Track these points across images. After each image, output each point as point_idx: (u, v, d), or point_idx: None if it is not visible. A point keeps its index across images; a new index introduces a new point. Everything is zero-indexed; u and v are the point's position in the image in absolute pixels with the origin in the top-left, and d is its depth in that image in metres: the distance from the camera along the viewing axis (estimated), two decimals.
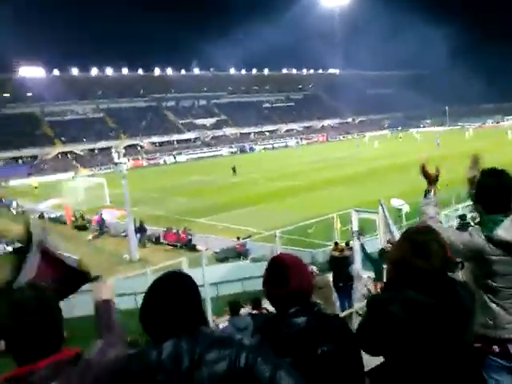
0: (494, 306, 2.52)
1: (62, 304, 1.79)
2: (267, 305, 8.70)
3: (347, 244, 13.98)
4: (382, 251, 12.07)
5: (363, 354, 2.04)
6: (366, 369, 2.06)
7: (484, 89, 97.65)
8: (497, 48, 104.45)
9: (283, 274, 1.94)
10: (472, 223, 11.96)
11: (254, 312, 7.10)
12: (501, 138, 54.41)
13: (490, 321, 2.51)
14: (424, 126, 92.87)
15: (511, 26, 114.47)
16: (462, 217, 13.12)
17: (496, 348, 2.52)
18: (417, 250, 1.99)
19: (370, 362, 2.13)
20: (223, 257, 17.85)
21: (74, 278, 2.25)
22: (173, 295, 1.70)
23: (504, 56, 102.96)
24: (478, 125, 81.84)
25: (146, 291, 1.75)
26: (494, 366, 2.53)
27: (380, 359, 2.16)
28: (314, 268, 11.10)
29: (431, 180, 2.86)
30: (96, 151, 71.41)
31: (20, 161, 65.09)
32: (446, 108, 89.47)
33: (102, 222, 25.61)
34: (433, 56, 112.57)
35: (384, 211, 12.28)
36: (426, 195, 2.86)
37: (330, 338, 1.88)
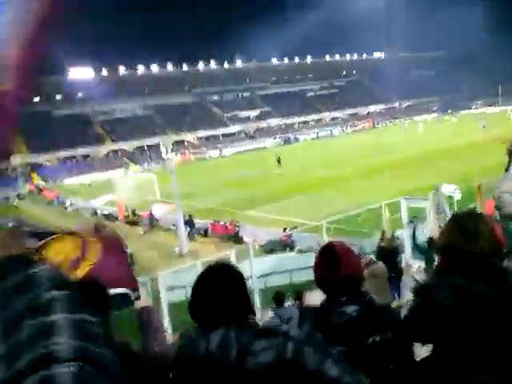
0: None
1: None
2: (308, 300, 8.71)
3: (394, 234, 13.73)
4: (431, 240, 11.77)
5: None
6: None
7: None
8: None
9: (334, 260, 1.97)
10: None
11: (297, 305, 7.13)
12: None
13: None
14: (476, 108, 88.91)
15: None
16: None
17: None
18: (465, 233, 1.98)
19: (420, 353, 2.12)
20: (270, 248, 17.94)
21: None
22: (220, 285, 1.73)
23: None
24: None
25: (194, 282, 1.80)
26: None
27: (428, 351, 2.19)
28: (372, 256, 10.96)
29: None
30: (145, 148, 73.18)
31: (73, 160, 67.70)
32: (499, 87, 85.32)
33: (151, 217, 26.34)
34: (480, 34, 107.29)
35: (439, 196, 11.90)
36: (506, 169, 2.84)
37: (380, 327, 1.89)
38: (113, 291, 2.31)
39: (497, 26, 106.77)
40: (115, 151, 72.09)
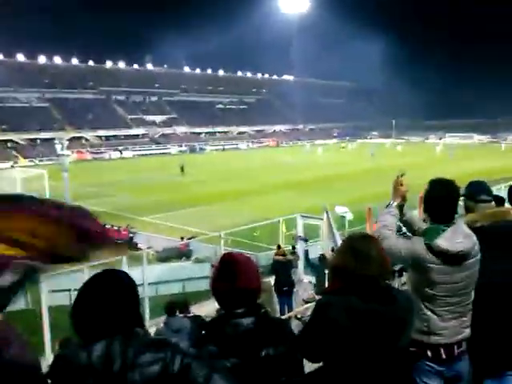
0: (429, 312, 2.56)
1: None
2: (203, 308, 8.54)
3: (293, 248, 14.08)
4: (323, 257, 12.23)
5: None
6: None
7: (429, 105, 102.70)
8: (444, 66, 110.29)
9: (232, 270, 1.93)
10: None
11: (182, 315, 6.90)
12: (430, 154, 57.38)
13: (425, 327, 2.57)
14: (371, 138, 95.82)
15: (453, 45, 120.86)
16: (399, 229, 13.47)
17: (429, 352, 2.58)
18: (357, 256, 2.07)
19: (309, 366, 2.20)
20: (165, 256, 17.48)
21: None
22: (107, 293, 1.62)
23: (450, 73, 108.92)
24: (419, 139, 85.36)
25: (79, 289, 1.65)
26: (426, 371, 2.60)
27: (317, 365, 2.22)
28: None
29: (400, 194, 2.92)
30: (38, 142, 68.48)
31: None
32: (393, 122, 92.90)
33: None
34: (384, 70, 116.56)
35: (329, 218, 12.40)
36: (388, 205, 2.92)
37: (274, 341, 1.88)
38: None
39: (397, 63, 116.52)
40: (4, 141, 66.50)
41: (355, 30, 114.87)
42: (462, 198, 3.00)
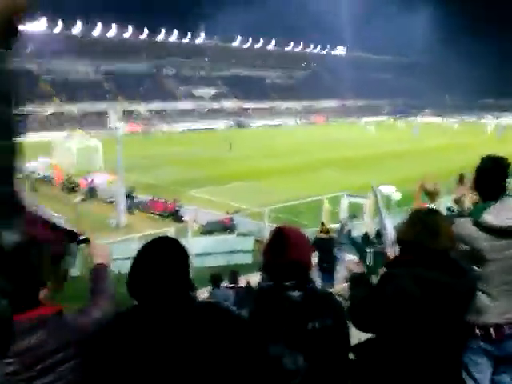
0: (479, 292, 2.55)
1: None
2: (244, 281, 8.72)
3: (342, 226, 14.07)
4: (366, 236, 12.15)
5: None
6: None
7: (485, 82, 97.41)
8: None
9: (283, 243, 1.94)
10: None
11: (232, 286, 7.10)
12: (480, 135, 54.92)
13: (475, 306, 2.56)
14: (423, 116, 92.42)
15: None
16: (449, 208, 13.14)
17: (479, 331, 2.60)
18: (427, 230, 2.12)
19: (354, 338, 2.22)
20: (209, 230, 17.83)
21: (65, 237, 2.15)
22: (163, 258, 1.68)
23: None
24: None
25: (136, 254, 1.72)
26: (475, 349, 2.62)
27: (359, 336, 2.29)
28: None
29: (432, 196, 3.08)
30: (92, 113, 70.60)
31: None
32: (446, 98, 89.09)
33: (91, 186, 25.45)
34: (438, 44, 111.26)
35: (376, 197, 12.18)
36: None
37: (322, 314, 1.90)
38: None
39: (451, 36, 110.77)
40: (61, 112, 68.99)
41: (407, 2, 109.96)
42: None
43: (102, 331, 1.68)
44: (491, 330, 2.57)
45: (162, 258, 1.68)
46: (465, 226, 2.55)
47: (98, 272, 2.02)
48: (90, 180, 25.85)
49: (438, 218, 2.17)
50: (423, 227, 2.13)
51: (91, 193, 24.92)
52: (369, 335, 2.27)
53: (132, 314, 1.67)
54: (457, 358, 2.27)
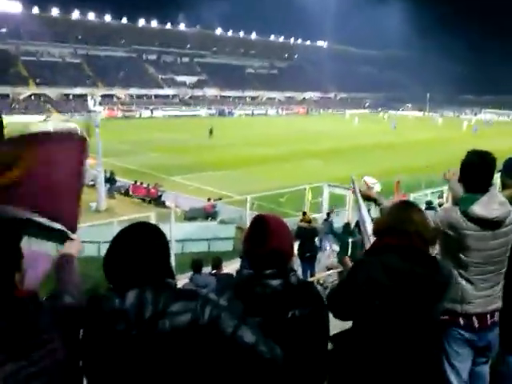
0: (463, 281, 2.59)
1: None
2: (227, 268, 8.74)
3: (328, 214, 14.19)
4: (347, 225, 12.29)
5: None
6: (330, 334, 2.11)
7: (466, 78, 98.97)
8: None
9: (264, 232, 1.91)
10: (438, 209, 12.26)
11: (214, 272, 7.10)
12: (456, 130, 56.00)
13: (459, 295, 2.59)
14: (403, 110, 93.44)
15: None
16: (429, 202, 13.40)
17: (461, 321, 2.62)
18: (398, 215, 2.15)
19: (334, 327, 2.19)
20: (192, 216, 17.79)
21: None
22: (140, 243, 1.66)
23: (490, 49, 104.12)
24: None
25: (113, 238, 1.69)
26: (457, 339, 2.65)
27: (343, 326, 2.25)
28: None
29: (368, 196, 3.19)
30: (70, 97, 69.29)
31: None
32: (427, 95, 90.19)
33: None
34: (422, 39, 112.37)
35: (355, 189, 12.33)
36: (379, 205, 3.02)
37: (301, 302, 1.88)
38: (43, 221, 1.99)
39: (432, 32, 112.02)
40: (38, 95, 67.47)
41: None
42: (498, 175, 3.05)
43: (76, 315, 1.65)
44: (474, 319, 2.60)
45: (139, 243, 1.66)
46: (453, 214, 2.59)
47: (65, 262, 1.98)
48: None
49: (411, 207, 2.20)
50: (394, 213, 2.18)
51: None
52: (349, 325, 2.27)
53: (106, 299, 1.63)
54: (433, 348, 2.27)
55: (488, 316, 2.62)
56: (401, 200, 2.45)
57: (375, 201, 3.10)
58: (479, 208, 2.52)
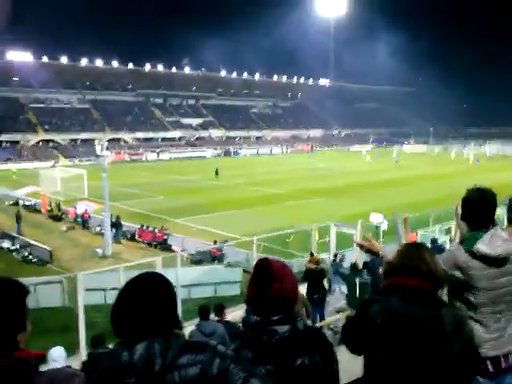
0: (474, 323, 2.52)
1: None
2: (234, 313, 8.59)
3: (335, 256, 14.07)
4: (354, 266, 12.13)
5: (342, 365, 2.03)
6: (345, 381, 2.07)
7: (469, 112, 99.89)
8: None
9: (268, 276, 1.89)
10: (447, 246, 12.11)
11: (217, 319, 6.97)
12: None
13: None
14: (408, 143, 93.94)
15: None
16: (434, 240, 13.27)
17: None
18: (406, 254, 2.14)
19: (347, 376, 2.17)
20: (198, 259, 17.68)
21: None
22: (148, 295, 1.64)
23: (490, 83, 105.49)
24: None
25: (119, 291, 1.68)
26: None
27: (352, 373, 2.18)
28: None
29: (371, 251, 3.10)
30: (78, 142, 70.53)
31: (0, 145, 63.69)
32: (431, 129, 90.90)
33: (77, 215, 25.20)
34: (422, 74, 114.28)
35: (397, 221, 12.36)
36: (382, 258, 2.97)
37: (310, 350, 1.84)
38: None
39: (438, 69, 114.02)
40: (46, 141, 68.73)
41: (391, 33, 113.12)
42: (505, 212, 3.04)
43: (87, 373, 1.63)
44: (488, 363, 2.50)
45: (147, 296, 1.64)
46: (459, 254, 2.56)
47: None
48: (77, 209, 25.58)
49: (420, 248, 2.17)
50: (403, 253, 2.16)
51: (83, 222, 24.49)
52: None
53: (114, 353, 1.61)
54: None
55: (502, 359, 2.51)
56: (411, 242, 2.45)
57: (378, 255, 3.05)
58: (484, 246, 2.50)
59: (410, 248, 2.19)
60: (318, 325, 9.13)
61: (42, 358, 1.61)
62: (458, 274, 2.54)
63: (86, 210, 24.79)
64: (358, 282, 11.42)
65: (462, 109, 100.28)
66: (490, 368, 2.50)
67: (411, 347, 1.94)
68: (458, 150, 68.63)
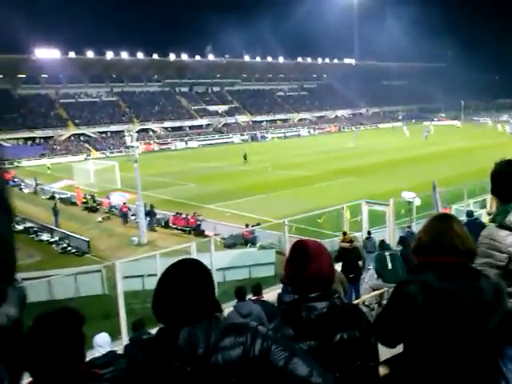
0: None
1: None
2: (270, 294, 8.69)
3: (369, 233, 14.01)
4: (382, 242, 12.05)
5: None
6: (383, 358, 2.08)
7: (499, 83, 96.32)
8: None
9: (304, 256, 1.94)
10: (484, 219, 11.86)
11: (255, 299, 7.08)
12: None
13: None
14: (438, 120, 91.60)
15: None
16: (470, 213, 12.98)
17: None
18: (435, 230, 2.07)
19: (388, 351, 2.16)
20: (231, 243, 17.88)
21: None
22: (187, 283, 1.68)
23: None
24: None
25: (159, 278, 1.73)
26: None
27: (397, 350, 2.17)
28: None
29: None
30: (108, 134, 71.71)
31: (33, 142, 65.45)
32: (462, 102, 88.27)
33: (112, 205, 25.77)
34: (450, 49, 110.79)
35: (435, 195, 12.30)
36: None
37: (348, 325, 1.88)
38: None
39: (466, 42, 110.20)
40: (77, 135, 70.20)
41: (417, 10, 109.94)
42: None
43: (131, 357, 1.76)
44: None
45: (186, 282, 1.67)
46: (495, 233, 2.44)
47: None
48: (111, 199, 26.15)
49: (449, 220, 2.12)
50: (431, 228, 2.11)
51: (123, 215, 24.05)
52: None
53: (159, 338, 1.68)
54: (489, 371, 2.12)
55: None
56: (439, 213, 2.41)
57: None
58: None
59: (439, 224, 2.11)
60: (353, 302, 9.14)
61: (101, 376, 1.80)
62: (498, 254, 2.43)
63: (125, 204, 24.62)
64: (387, 255, 11.31)
65: (492, 81, 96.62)
66: None
67: (455, 322, 1.93)
68: (493, 123, 66.49)
